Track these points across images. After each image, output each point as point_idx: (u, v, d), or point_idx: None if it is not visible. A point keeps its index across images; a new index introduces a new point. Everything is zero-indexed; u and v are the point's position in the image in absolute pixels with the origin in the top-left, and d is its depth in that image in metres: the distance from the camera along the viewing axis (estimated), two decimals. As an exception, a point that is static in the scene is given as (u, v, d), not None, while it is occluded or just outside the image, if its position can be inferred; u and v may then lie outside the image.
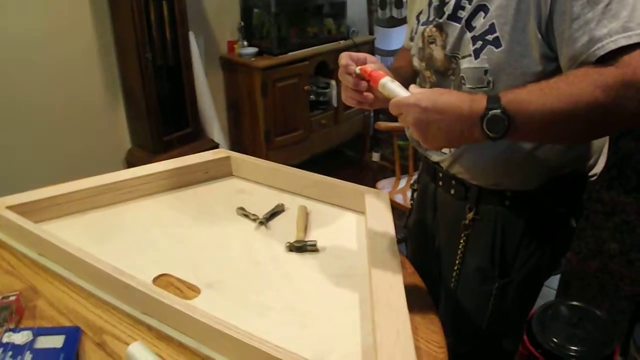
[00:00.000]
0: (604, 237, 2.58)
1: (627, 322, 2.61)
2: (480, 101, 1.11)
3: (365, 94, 1.37)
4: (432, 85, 1.44)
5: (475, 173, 1.43)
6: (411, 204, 1.81)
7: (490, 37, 1.24)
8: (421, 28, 1.43)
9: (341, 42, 4.53)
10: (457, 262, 1.56)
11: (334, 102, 4.56)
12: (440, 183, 1.56)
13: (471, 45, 1.28)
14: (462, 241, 1.52)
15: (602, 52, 1.08)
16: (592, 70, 1.08)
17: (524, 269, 1.47)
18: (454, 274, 1.58)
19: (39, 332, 1.19)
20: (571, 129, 1.11)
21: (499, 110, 1.09)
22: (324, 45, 4.39)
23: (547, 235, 1.45)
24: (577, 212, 1.48)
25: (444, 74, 1.40)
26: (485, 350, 1.63)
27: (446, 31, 1.34)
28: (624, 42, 1.05)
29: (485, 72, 1.27)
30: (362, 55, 1.39)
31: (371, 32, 4.95)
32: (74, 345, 1.17)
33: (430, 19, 1.39)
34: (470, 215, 1.47)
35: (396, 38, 5.56)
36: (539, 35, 1.18)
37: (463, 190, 1.48)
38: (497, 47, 1.23)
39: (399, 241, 1.47)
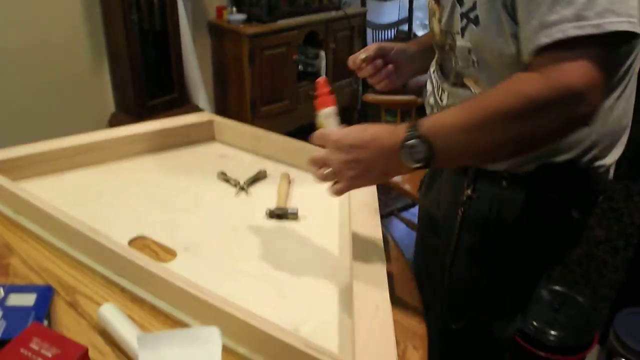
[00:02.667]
0: (590, 223, 2.57)
1: (608, 310, 2.61)
2: (400, 130, 1.11)
3: (385, 69, 1.50)
4: (438, 61, 1.43)
5: None
6: (422, 179, 1.78)
7: (472, 15, 1.21)
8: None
9: (332, 12, 4.48)
10: (453, 238, 1.52)
11: (323, 73, 4.52)
12: None
13: (459, 22, 1.25)
14: (458, 217, 1.48)
15: (547, 40, 1.04)
16: (518, 78, 1.07)
17: (519, 252, 1.43)
18: (450, 249, 1.54)
19: (10, 289, 1.17)
20: (496, 143, 1.09)
21: (417, 138, 1.08)
22: (314, 15, 4.35)
23: (545, 223, 1.39)
24: (581, 204, 1.38)
25: (443, 49, 1.38)
26: (477, 331, 1.60)
27: (442, 5, 1.32)
28: (573, 33, 1.01)
29: (469, 51, 1.25)
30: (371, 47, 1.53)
31: (363, 4, 4.91)
32: (46, 304, 1.15)
33: None
34: (468, 191, 1.42)
35: (389, 11, 5.54)
36: (506, 13, 1.13)
37: (462, 167, 1.45)
38: (476, 26, 1.20)
39: (382, 215, 1.45)
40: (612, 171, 1.37)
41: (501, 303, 1.53)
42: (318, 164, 1.22)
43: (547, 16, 1.04)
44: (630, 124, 1.34)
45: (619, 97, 1.24)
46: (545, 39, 1.04)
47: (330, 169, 1.19)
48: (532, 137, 1.09)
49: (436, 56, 1.46)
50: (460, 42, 1.27)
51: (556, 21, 1.03)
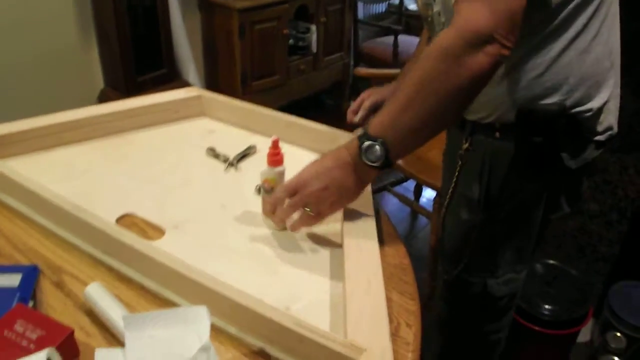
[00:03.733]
0: (584, 196, 2.55)
1: (602, 284, 2.60)
2: (353, 142, 1.22)
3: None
4: (428, 32, 1.50)
5: None
6: None
7: None
8: None
9: (323, -15, 4.43)
10: (449, 190, 1.56)
11: (314, 48, 4.50)
12: None
13: None
14: (456, 171, 1.52)
15: None
16: (436, 38, 1.16)
17: (509, 205, 1.45)
18: (446, 201, 1.59)
19: (-6, 269, 1.15)
20: (435, 106, 1.16)
21: (369, 140, 1.18)
22: (304, -11, 4.30)
23: (536, 171, 1.41)
24: (572, 149, 1.38)
25: (427, 21, 1.43)
26: (469, 284, 1.61)
27: None
28: None
29: (439, 14, 1.31)
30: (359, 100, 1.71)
31: (354, -22, 4.87)
32: (31, 285, 1.12)
33: None
34: (465, 145, 1.47)
35: (380, -15, 5.50)
36: None
37: (461, 121, 1.49)
38: None
39: (374, 190, 1.43)
40: (604, 118, 1.38)
41: (492, 258, 1.54)
42: (288, 210, 1.28)
43: None
44: (616, 67, 1.38)
45: (593, 38, 1.29)
46: None
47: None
48: (461, 86, 1.14)
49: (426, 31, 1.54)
50: (435, 8, 1.34)
51: None
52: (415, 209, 3.58)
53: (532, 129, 1.34)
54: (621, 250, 2.51)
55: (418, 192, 3.77)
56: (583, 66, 1.30)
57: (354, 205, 1.32)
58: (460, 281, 1.62)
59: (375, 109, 1.66)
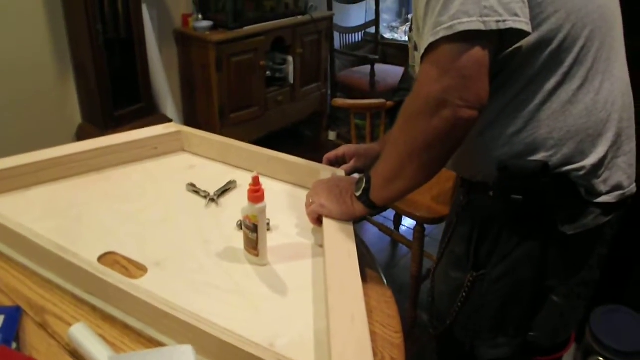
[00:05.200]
0: (589, 267, 2.56)
1: (584, 308, 2.61)
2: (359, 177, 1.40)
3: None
4: None
5: (450, 165, 1.41)
6: None
7: (414, 43, 1.30)
8: None
9: (299, 17, 4.47)
10: (443, 245, 1.55)
11: (291, 79, 4.52)
12: None
13: (414, 53, 1.34)
14: (453, 224, 1.51)
15: (422, 53, 1.15)
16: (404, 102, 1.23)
17: (501, 266, 1.39)
18: (439, 255, 1.58)
19: (-23, 311, 1.14)
20: (402, 164, 1.25)
21: (365, 177, 1.36)
22: (281, 20, 4.32)
23: (529, 237, 1.34)
24: (567, 213, 1.30)
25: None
26: (455, 344, 1.57)
27: (410, 42, 1.41)
28: (432, 39, 1.10)
29: None
30: (340, 152, 1.76)
31: (330, 8, 4.90)
32: (14, 326, 1.12)
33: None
34: (463, 201, 1.45)
35: (355, 14, 5.55)
36: None
37: (461, 179, 1.49)
38: (416, 50, 1.27)
39: (354, 222, 1.44)
40: (608, 176, 1.29)
41: (480, 319, 1.49)
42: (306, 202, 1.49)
43: (423, 31, 1.16)
44: (617, 118, 1.29)
45: (579, 88, 1.23)
46: (421, 50, 1.16)
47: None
48: (421, 148, 1.19)
49: None
50: (417, 68, 1.32)
51: (425, 33, 1.14)
52: (395, 238, 3.59)
53: (510, 187, 1.28)
54: (601, 275, 2.53)
55: (398, 221, 3.79)
56: (569, 119, 1.23)
57: (336, 238, 1.33)
58: (448, 338, 1.59)
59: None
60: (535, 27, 1.16)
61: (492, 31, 1.06)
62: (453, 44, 1.08)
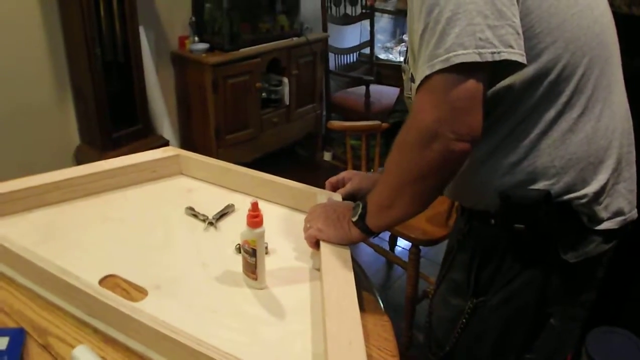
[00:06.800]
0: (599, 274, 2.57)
1: (580, 330, 2.61)
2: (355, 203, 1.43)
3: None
4: None
5: (449, 194, 1.44)
6: None
7: (410, 75, 1.27)
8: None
9: (294, 38, 4.51)
10: (443, 270, 1.54)
11: (286, 100, 4.55)
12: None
13: (410, 84, 1.31)
14: (453, 251, 1.49)
15: (417, 84, 1.16)
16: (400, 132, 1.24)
17: (502, 293, 1.38)
18: (438, 281, 1.56)
19: (-18, 333, 1.16)
20: (395, 192, 1.28)
21: (361, 202, 1.38)
22: (276, 42, 4.36)
23: (532, 264, 1.33)
24: (571, 242, 1.30)
25: (409, 105, 1.42)
26: None
27: (405, 73, 1.39)
28: (428, 71, 1.11)
29: None
30: (340, 177, 1.77)
31: (325, 29, 4.94)
32: (18, 348, 1.15)
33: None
34: (465, 229, 1.44)
35: (350, 35, 5.59)
36: None
37: (461, 207, 1.49)
38: (413, 82, 1.24)
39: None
40: (609, 202, 1.30)
41: (480, 346, 1.47)
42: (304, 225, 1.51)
43: (418, 62, 1.16)
44: (618, 145, 1.29)
45: (579, 116, 1.22)
46: (417, 82, 1.16)
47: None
48: (414, 179, 1.22)
49: None
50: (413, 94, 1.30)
51: (420, 65, 1.14)
52: (390, 259, 3.61)
53: (513, 216, 1.28)
54: (597, 296, 2.54)
55: (393, 242, 3.80)
56: (570, 147, 1.23)
57: (333, 261, 1.36)
58: None
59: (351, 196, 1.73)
60: (533, 58, 1.17)
61: (486, 63, 1.07)
62: (447, 75, 1.08)
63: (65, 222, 1.63)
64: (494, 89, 1.20)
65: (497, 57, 1.07)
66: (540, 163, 1.24)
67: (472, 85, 1.09)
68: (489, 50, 1.07)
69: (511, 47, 1.08)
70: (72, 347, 1.13)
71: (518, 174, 1.25)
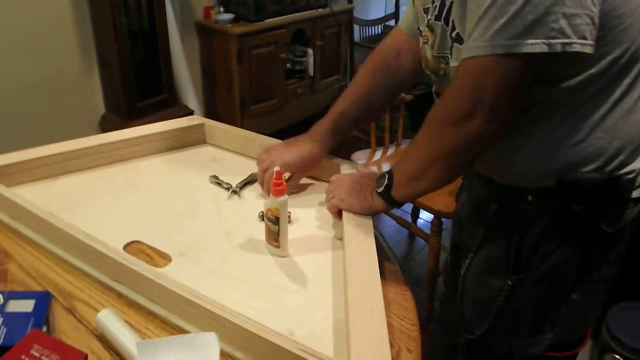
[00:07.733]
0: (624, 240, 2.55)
1: (601, 305, 2.60)
2: (380, 173, 1.43)
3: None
4: (435, 87, 1.44)
5: (482, 169, 1.43)
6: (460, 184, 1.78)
7: (454, 34, 1.22)
8: (423, 28, 1.40)
9: (319, 10, 4.49)
10: (473, 249, 1.50)
11: (311, 71, 4.54)
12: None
13: (450, 43, 1.25)
14: (482, 230, 1.46)
15: (465, 56, 1.14)
16: (434, 106, 1.27)
17: (542, 268, 1.37)
18: (467, 260, 1.52)
19: (10, 295, 1.18)
20: (425, 166, 1.29)
21: (387, 174, 1.39)
22: (301, 13, 4.36)
23: (571, 237, 1.33)
24: (609, 214, 1.31)
25: (438, 74, 1.37)
26: (492, 346, 1.55)
27: (434, 30, 1.31)
28: (486, 52, 1.09)
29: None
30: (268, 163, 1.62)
31: (350, 1, 4.92)
32: (44, 310, 1.16)
33: (427, 18, 1.34)
34: (493, 207, 1.41)
35: (375, 7, 5.56)
36: None
37: (488, 182, 1.43)
38: (460, 44, 1.20)
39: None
40: None
41: (519, 320, 1.48)
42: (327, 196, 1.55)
43: (467, 39, 1.14)
44: None
45: (639, 97, 1.21)
46: (466, 53, 1.13)
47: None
48: (447, 154, 1.23)
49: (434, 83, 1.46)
50: (451, 62, 1.27)
51: (477, 36, 1.10)
52: (412, 231, 3.62)
53: (572, 199, 1.27)
54: (619, 272, 2.52)
55: (415, 214, 3.81)
56: (629, 128, 1.22)
57: (355, 231, 1.37)
58: (483, 341, 1.55)
59: None
60: (615, 39, 1.13)
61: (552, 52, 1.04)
62: (505, 60, 1.06)
63: (91, 189, 1.65)
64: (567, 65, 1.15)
65: (567, 49, 1.04)
66: (600, 144, 1.22)
67: (520, 75, 1.09)
68: (560, 41, 1.03)
69: (584, 38, 1.05)
70: (97, 310, 1.15)
71: (575, 155, 1.23)
